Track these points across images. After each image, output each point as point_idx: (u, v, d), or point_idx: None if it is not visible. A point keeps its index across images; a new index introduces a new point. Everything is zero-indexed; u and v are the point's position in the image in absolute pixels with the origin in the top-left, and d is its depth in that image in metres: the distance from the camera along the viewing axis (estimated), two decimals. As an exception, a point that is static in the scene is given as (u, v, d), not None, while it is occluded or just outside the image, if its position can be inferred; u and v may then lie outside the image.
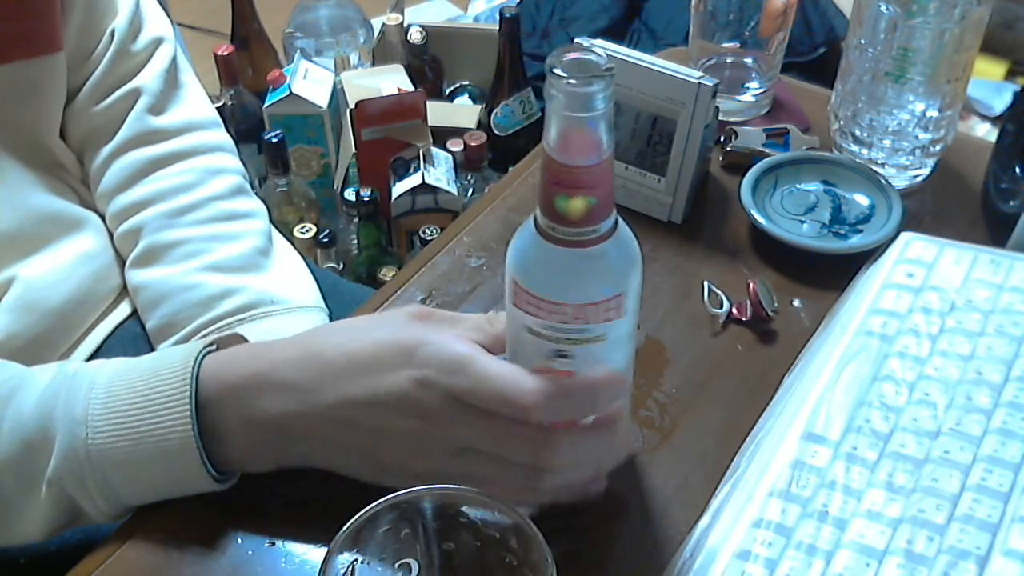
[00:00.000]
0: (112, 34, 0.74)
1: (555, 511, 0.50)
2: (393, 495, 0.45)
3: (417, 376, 0.48)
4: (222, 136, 0.79)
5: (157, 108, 0.75)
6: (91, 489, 0.51)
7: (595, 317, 0.46)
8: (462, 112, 1.72)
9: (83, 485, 0.51)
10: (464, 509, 0.46)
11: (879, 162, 0.75)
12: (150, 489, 0.53)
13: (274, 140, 1.43)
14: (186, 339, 0.69)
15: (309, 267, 0.79)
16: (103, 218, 0.75)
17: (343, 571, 0.44)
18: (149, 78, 0.75)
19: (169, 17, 0.81)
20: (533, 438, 0.48)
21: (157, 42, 0.77)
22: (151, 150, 0.74)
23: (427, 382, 0.48)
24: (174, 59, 0.78)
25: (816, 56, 1.73)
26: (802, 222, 0.72)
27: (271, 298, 0.70)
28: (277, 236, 0.78)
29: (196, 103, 0.78)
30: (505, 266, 0.47)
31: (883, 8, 0.68)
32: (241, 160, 0.79)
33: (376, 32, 1.83)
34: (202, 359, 0.53)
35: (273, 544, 0.54)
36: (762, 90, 0.83)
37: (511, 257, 0.47)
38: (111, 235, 0.75)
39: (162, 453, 0.51)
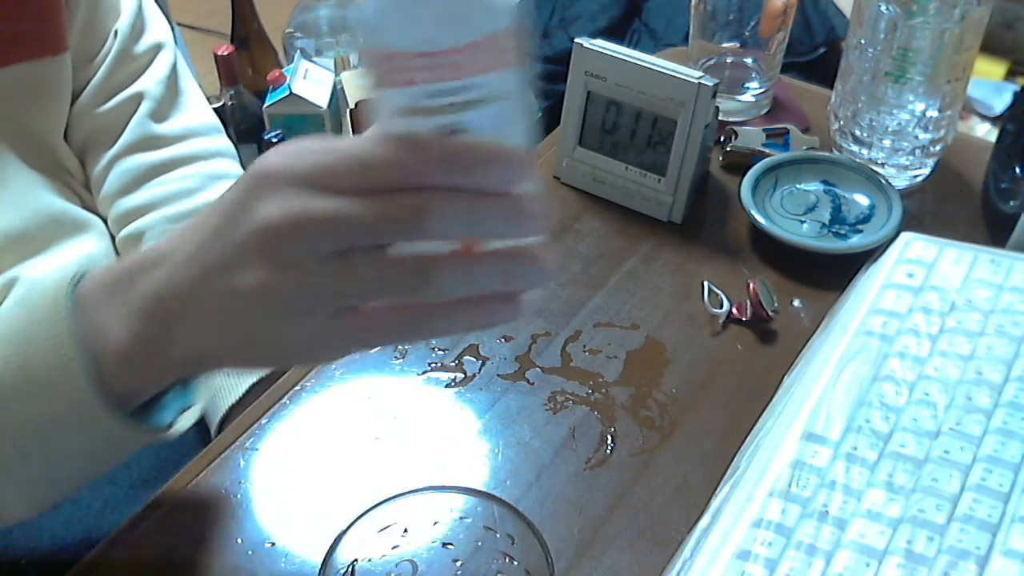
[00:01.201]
0: (115, 35, 0.75)
1: (556, 508, 0.50)
2: (393, 495, 0.45)
3: (251, 174, 0.39)
4: (223, 142, 0.79)
5: (159, 114, 0.76)
6: None
7: (489, 60, 0.38)
8: (462, 112, 1.71)
9: None
10: (464, 508, 0.46)
11: (879, 162, 0.75)
12: (31, 441, 0.44)
13: (274, 140, 1.43)
14: None
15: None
16: (105, 222, 0.75)
17: (343, 571, 0.44)
18: (151, 83, 0.76)
19: (168, 18, 0.81)
20: (410, 203, 0.37)
21: (158, 47, 0.77)
22: (153, 155, 0.74)
23: (265, 174, 0.39)
24: (174, 65, 0.78)
25: (816, 56, 1.73)
26: (802, 222, 0.72)
27: None
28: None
29: (197, 109, 0.79)
30: (360, 53, 0.40)
31: (883, 8, 0.68)
32: (241, 162, 0.79)
33: (376, 32, 1.83)
34: (80, 278, 0.45)
35: (273, 544, 0.54)
36: (762, 90, 0.83)
37: (370, 29, 0.38)
38: (113, 239, 0.75)
39: (37, 372, 0.43)
